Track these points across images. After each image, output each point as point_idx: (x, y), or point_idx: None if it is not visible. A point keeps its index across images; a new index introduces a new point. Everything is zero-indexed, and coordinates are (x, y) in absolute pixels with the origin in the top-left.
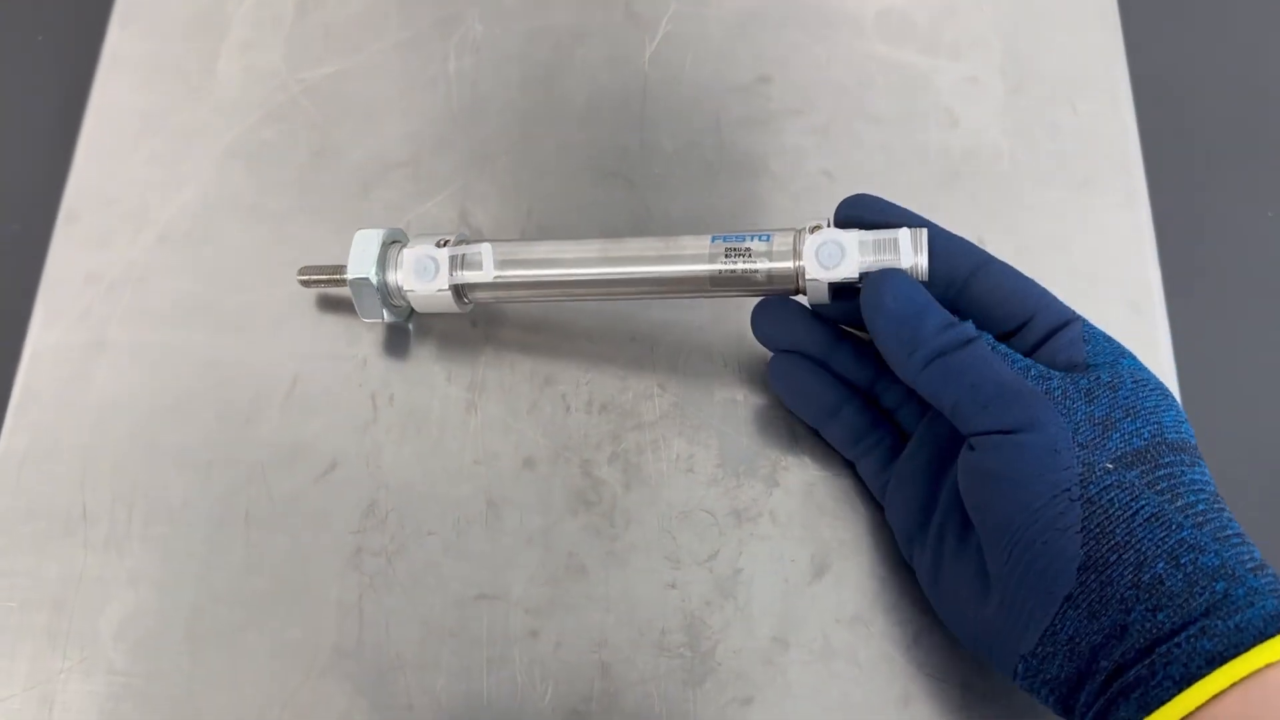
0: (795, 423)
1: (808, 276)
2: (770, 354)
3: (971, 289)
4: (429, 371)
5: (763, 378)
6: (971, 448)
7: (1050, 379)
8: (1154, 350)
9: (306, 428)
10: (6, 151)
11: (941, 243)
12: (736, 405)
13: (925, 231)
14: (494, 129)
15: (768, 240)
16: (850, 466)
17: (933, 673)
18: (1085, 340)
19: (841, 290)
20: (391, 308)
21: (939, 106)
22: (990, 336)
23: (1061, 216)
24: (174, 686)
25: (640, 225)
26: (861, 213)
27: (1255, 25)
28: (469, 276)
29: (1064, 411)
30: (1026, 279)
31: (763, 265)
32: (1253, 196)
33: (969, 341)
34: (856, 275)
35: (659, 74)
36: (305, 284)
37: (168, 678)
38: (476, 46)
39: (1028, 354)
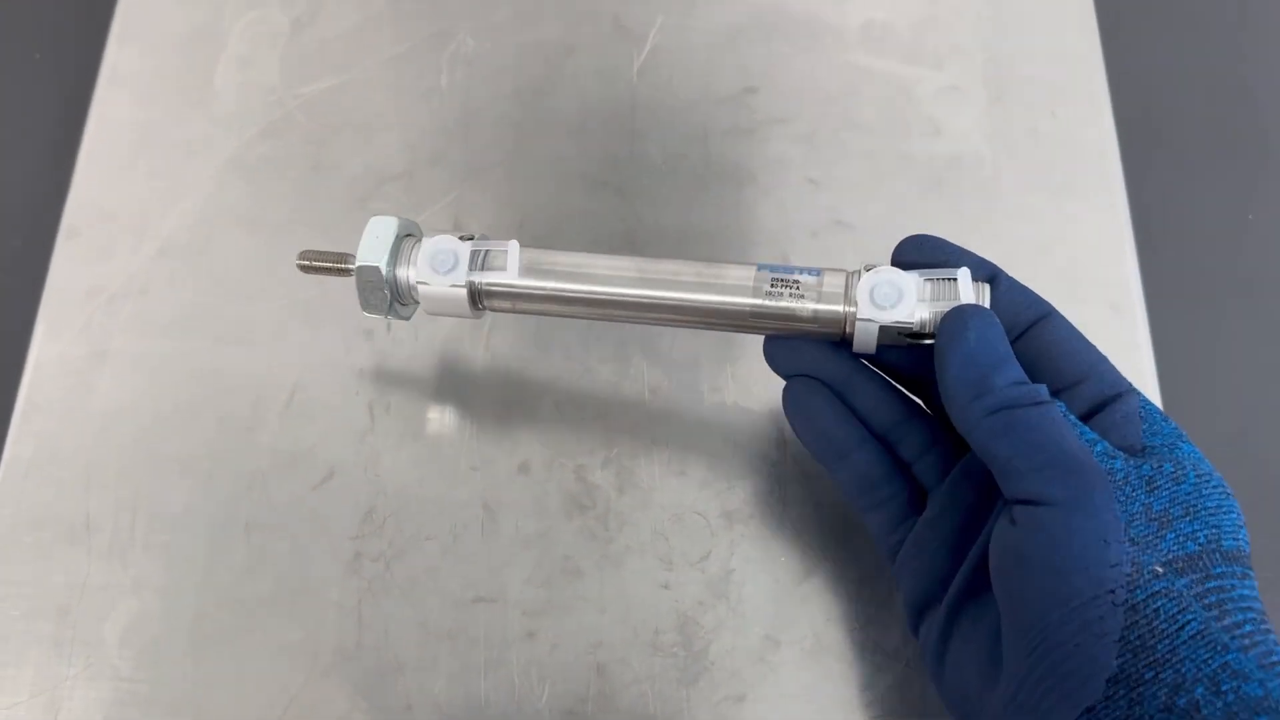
0: (785, 427)
1: (860, 317)
2: (772, 377)
3: (1027, 340)
4: (425, 380)
5: (752, 382)
6: (1013, 521)
7: (1114, 459)
8: (1134, 351)
9: (306, 435)
10: (7, 166)
11: (1005, 289)
12: (726, 409)
13: (986, 286)
14: (487, 141)
15: (817, 275)
16: None
17: (922, 670)
18: (1140, 417)
19: (888, 346)
20: (397, 306)
21: (922, 115)
22: (1064, 406)
23: (1043, 220)
24: (177, 691)
25: (631, 234)
26: (921, 255)
27: (1233, 28)
28: (490, 278)
29: (1122, 499)
30: (1086, 341)
31: (809, 303)
32: (1232, 198)
33: (1041, 403)
34: (914, 319)
35: (647, 86)
36: (305, 269)
37: (171, 682)
38: (469, 60)
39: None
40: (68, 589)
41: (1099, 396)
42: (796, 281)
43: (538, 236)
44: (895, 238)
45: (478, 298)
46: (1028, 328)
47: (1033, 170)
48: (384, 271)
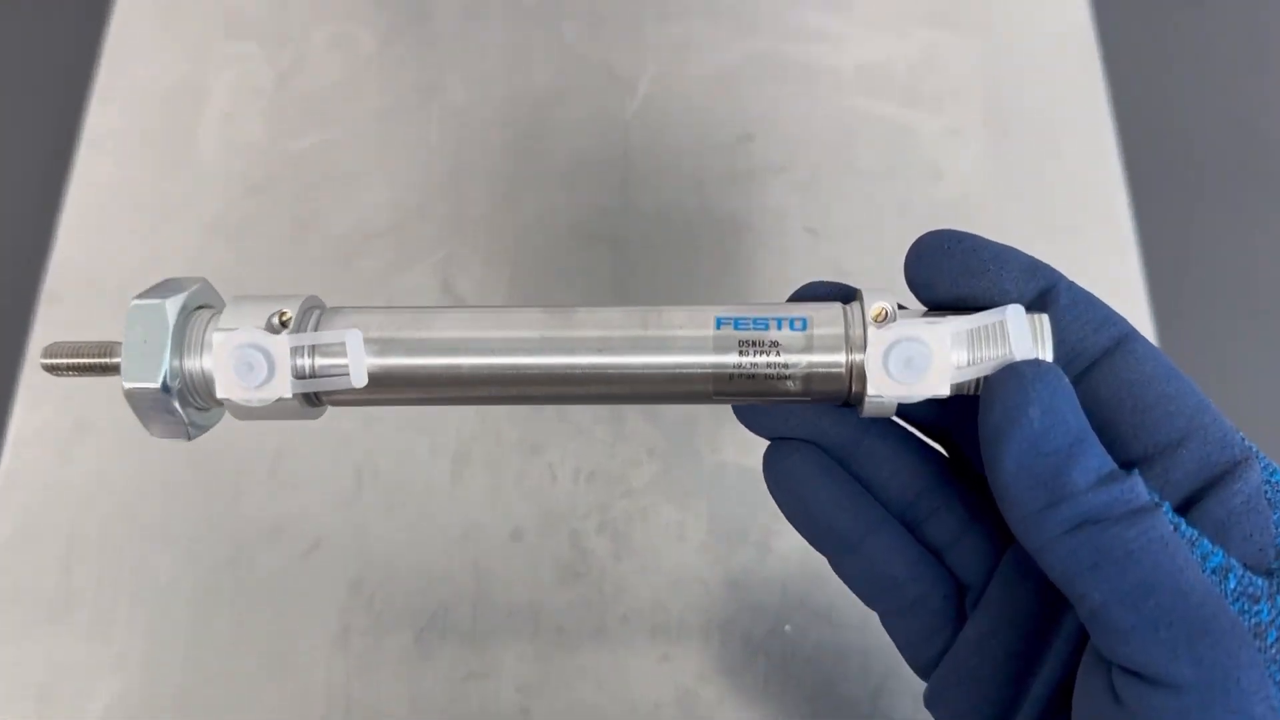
0: None
1: (872, 393)
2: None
3: (1098, 378)
4: (413, 443)
5: (752, 441)
6: (1117, 698)
7: (1257, 597)
8: None
9: (291, 503)
10: None
11: (1066, 306)
12: (725, 469)
13: (1046, 323)
14: (476, 194)
15: (803, 328)
16: None
17: None
18: (1269, 501)
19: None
20: (195, 415)
21: (922, 159)
22: (1170, 507)
23: (1050, 264)
24: None
25: (624, 286)
26: (949, 265)
27: (1240, 62)
28: (328, 380)
29: (1278, 674)
30: (1179, 375)
31: (795, 365)
32: (1245, 237)
33: (1142, 511)
34: (947, 392)
35: (640, 135)
36: (53, 370)
37: None
38: (458, 112)
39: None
40: (49, 667)
41: (1208, 468)
42: (774, 343)
43: (527, 292)
44: (899, 288)
45: (314, 399)
46: (1096, 359)
47: (1038, 213)
48: (167, 389)
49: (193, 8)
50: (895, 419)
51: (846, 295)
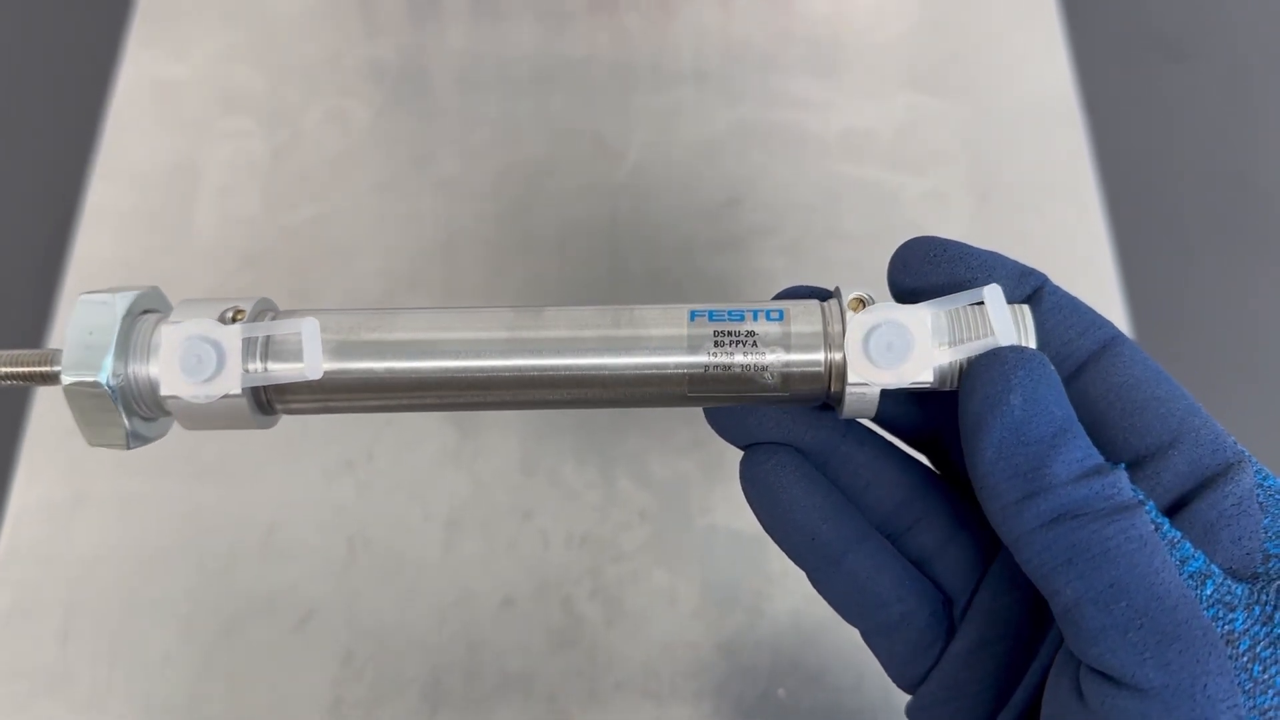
0: (777, 549)
1: (853, 380)
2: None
3: (1086, 382)
4: (406, 511)
5: (744, 503)
6: (1082, 697)
7: (1233, 607)
8: None
9: (284, 575)
10: None
11: (1051, 308)
12: (716, 532)
13: (1027, 311)
14: (467, 263)
15: (779, 319)
16: None
17: None
18: (1261, 506)
19: (896, 397)
20: (140, 424)
21: (907, 221)
22: (1154, 506)
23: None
24: None
25: None
26: (935, 273)
27: (1222, 117)
28: (281, 373)
29: (1248, 682)
30: (1170, 380)
31: (774, 358)
32: (1232, 294)
33: (1123, 508)
34: (929, 379)
35: (629, 201)
36: None
37: None
38: (449, 183)
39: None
40: None
41: (1199, 470)
42: (751, 334)
43: None
44: None
45: (266, 401)
46: (1084, 362)
47: None
48: (109, 386)
49: (191, 85)
50: (874, 428)
51: (823, 296)
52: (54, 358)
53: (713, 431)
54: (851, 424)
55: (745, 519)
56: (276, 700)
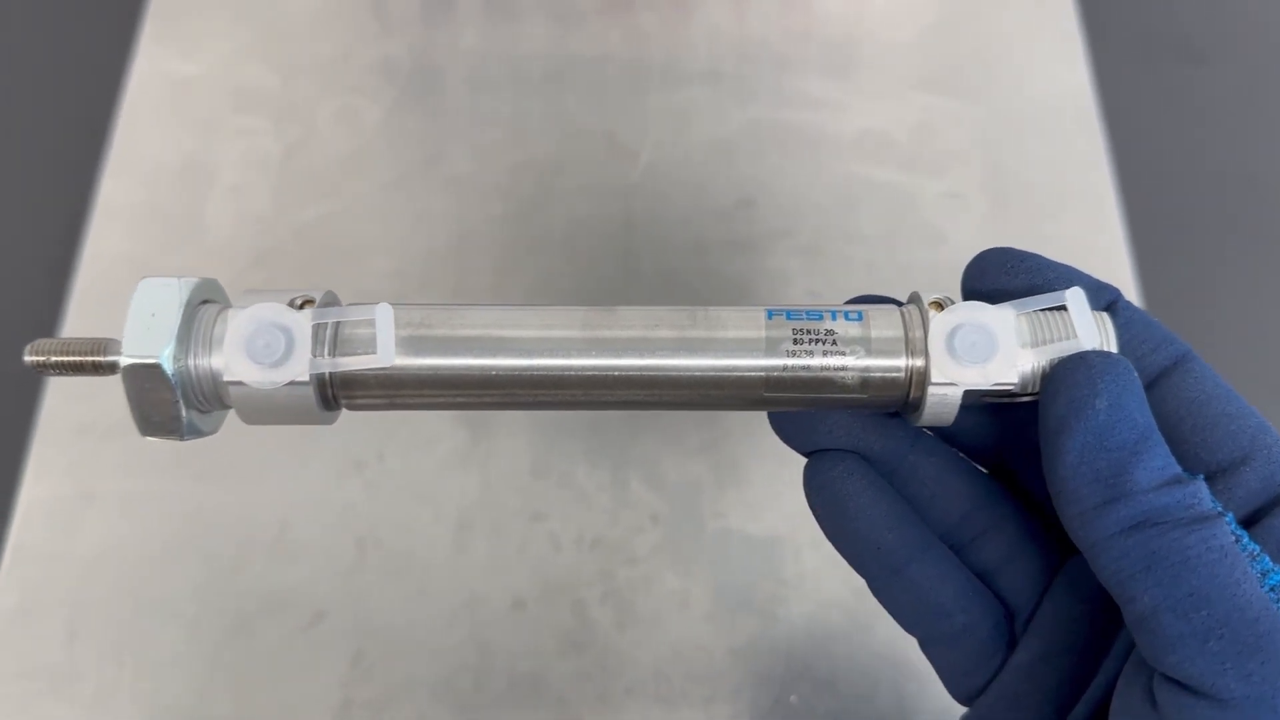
0: (790, 551)
1: (936, 380)
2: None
3: (1159, 395)
4: (416, 513)
5: (757, 507)
6: (1155, 705)
7: None
8: None
9: (293, 575)
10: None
11: (1124, 323)
12: (729, 536)
13: (1108, 319)
14: (478, 263)
15: (859, 320)
16: (859, 600)
17: None
18: None
19: (973, 407)
20: (196, 418)
21: (923, 223)
22: (1233, 517)
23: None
24: None
25: None
26: (1011, 280)
27: (1241, 120)
28: (350, 363)
29: None
30: (1238, 397)
31: (854, 360)
32: (1250, 297)
33: (1204, 518)
34: (1014, 380)
35: (642, 202)
36: (40, 368)
37: None
38: (460, 182)
39: None
40: None
41: (1270, 487)
42: (830, 333)
43: None
44: None
45: (331, 395)
46: (1156, 377)
47: None
48: (170, 370)
49: (202, 83)
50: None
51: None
52: (105, 346)
53: (725, 434)
54: (919, 434)
55: (758, 522)
56: (285, 701)
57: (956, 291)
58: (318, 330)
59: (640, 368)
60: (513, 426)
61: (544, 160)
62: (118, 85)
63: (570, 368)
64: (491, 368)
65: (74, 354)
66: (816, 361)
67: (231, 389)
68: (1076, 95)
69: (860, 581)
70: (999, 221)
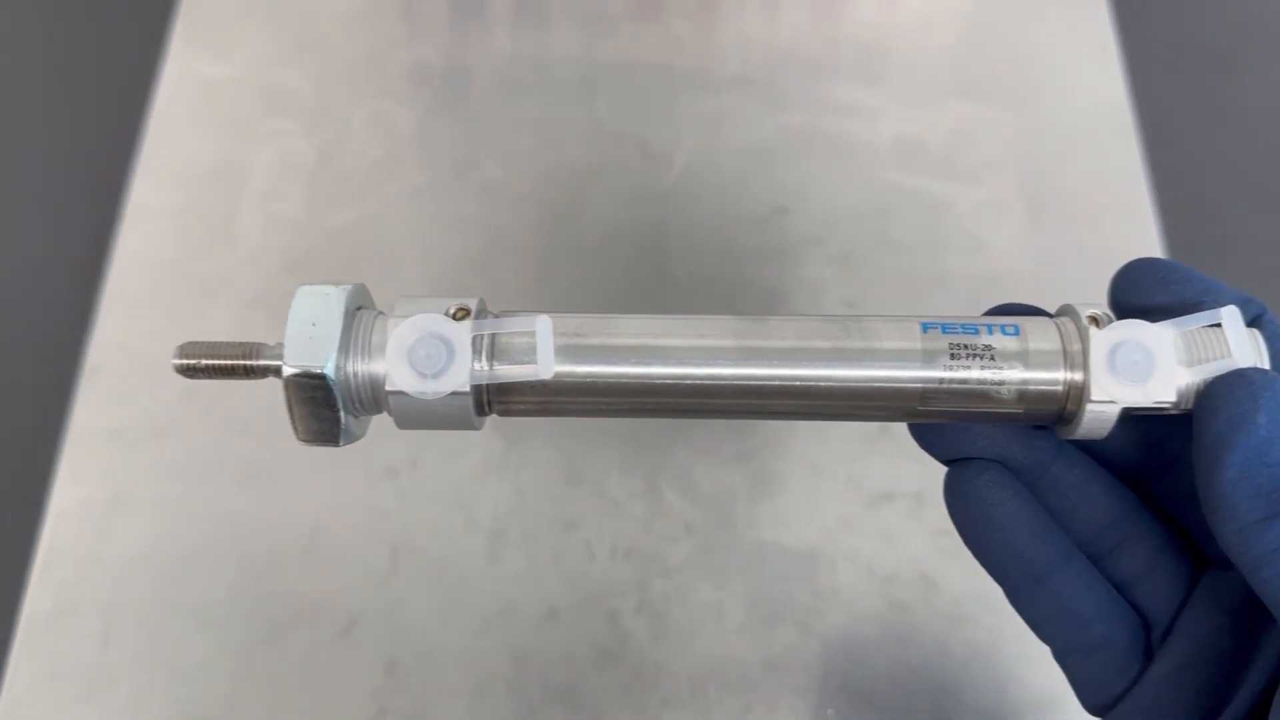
0: (825, 564)
1: (1096, 397)
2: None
3: None
4: (449, 520)
5: (791, 519)
6: None
7: None
8: None
9: (326, 582)
10: (31, 304)
11: (1270, 338)
12: (764, 548)
13: (1258, 336)
14: (511, 269)
15: (1015, 335)
16: (896, 613)
17: None
18: None
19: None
20: (350, 423)
21: (960, 232)
22: None
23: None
24: None
25: None
26: (1163, 294)
27: (1278, 128)
28: (508, 373)
29: None
30: None
31: (1012, 374)
32: None
33: None
34: (1173, 396)
35: (675, 209)
36: (187, 371)
37: None
38: (493, 188)
39: None
40: None
41: None
42: (989, 348)
43: None
44: None
45: (486, 402)
46: None
47: (1077, 288)
48: (334, 379)
49: (235, 86)
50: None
51: (1032, 313)
52: (257, 351)
53: (760, 444)
54: (1062, 445)
55: (793, 534)
56: (318, 709)
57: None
58: (475, 340)
59: (795, 378)
60: (545, 434)
61: (577, 166)
62: (149, 87)
63: (724, 377)
64: (646, 376)
65: (225, 358)
66: (974, 375)
67: (391, 398)
68: (1113, 103)
69: (897, 595)
70: (1035, 230)
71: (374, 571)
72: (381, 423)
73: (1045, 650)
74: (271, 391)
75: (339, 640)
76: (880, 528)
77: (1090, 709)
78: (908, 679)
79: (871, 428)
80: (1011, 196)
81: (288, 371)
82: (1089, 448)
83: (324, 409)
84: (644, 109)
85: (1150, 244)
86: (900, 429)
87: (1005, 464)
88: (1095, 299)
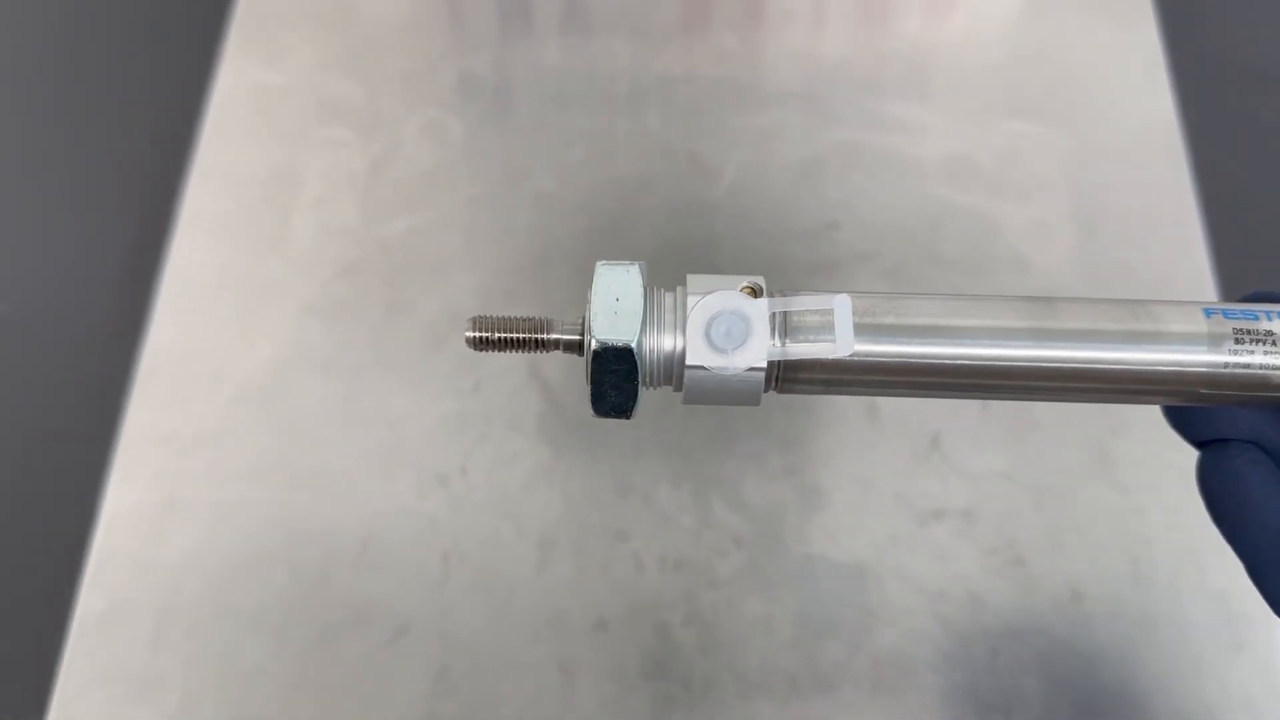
0: (874, 579)
1: None
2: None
3: None
4: (499, 528)
5: (839, 533)
6: None
7: None
8: None
9: (378, 587)
10: (86, 308)
11: None
12: (814, 562)
13: None
14: (561, 279)
15: None
16: (945, 631)
17: None
18: None
19: None
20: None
21: (1009, 250)
22: None
23: None
24: None
25: None
26: None
27: None
28: (803, 350)
29: None
30: None
31: None
32: None
33: None
34: None
35: (725, 222)
36: (477, 344)
37: None
38: (544, 199)
39: None
40: None
41: None
42: (1270, 334)
43: None
44: None
45: (775, 379)
46: None
47: None
48: (639, 353)
49: (289, 95)
50: None
51: None
52: (549, 325)
53: (807, 458)
54: None
55: (842, 549)
56: (368, 714)
57: None
58: (775, 320)
59: (1086, 360)
60: (593, 444)
61: (627, 178)
62: (203, 95)
63: (1015, 358)
64: (939, 356)
65: (516, 331)
66: (1257, 360)
67: (688, 372)
68: (1162, 123)
69: (947, 610)
70: (1085, 250)
71: (425, 578)
72: (432, 427)
73: (1094, 666)
74: (326, 398)
75: (389, 646)
76: (930, 544)
77: None
78: (956, 696)
79: (922, 443)
80: (1060, 215)
81: (596, 345)
82: None
83: (625, 382)
84: (694, 122)
85: (1199, 264)
86: (953, 443)
87: (1261, 445)
88: None
